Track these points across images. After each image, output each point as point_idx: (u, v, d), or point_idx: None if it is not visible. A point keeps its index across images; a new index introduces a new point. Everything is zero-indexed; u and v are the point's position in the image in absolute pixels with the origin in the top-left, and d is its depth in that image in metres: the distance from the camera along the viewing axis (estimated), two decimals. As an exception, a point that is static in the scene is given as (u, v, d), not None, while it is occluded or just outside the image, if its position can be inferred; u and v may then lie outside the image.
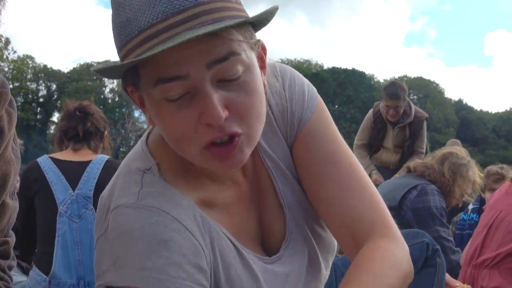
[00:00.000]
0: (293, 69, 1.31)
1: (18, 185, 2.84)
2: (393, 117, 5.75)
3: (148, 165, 1.18)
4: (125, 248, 1.06)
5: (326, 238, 1.32)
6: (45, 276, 2.74)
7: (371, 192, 1.23)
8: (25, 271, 3.43)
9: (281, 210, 1.28)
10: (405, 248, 1.20)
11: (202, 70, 1.01)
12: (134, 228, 1.07)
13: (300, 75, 1.31)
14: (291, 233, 1.27)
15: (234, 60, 1.03)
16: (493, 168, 4.92)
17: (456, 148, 3.89)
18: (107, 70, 1.07)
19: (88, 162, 2.90)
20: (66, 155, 2.99)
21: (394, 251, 1.16)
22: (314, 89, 1.31)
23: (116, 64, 1.04)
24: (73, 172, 2.88)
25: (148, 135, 1.26)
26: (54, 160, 2.93)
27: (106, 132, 3.12)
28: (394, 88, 5.72)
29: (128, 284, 1.05)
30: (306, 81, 1.31)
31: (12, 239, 1.35)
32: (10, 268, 1.35)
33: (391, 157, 5.86)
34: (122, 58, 1.06)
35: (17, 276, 3.17)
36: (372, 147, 6.02)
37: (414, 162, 3.86)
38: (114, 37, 1.07)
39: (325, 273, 1.33)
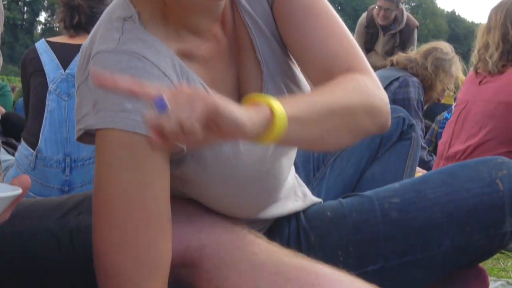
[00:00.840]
0: None
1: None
2: (382, 20, 5.75)
3: (129, 13, 1.19)
4: (104, 91, 1.09)
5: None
6: (32, 151, 2.78)
7: (350, 41, 1.28)
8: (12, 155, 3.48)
9: (259, 68, 1.31)
10: (377, 84, 1.24)
11: None
12: (113, 72, 1.09)
13: None
14: (267, 90, 1.30)
15: None
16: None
17: (440, 44, 3.90)
18: None
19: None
20: (62, 39, 2.99)
21: (364, 80, 1.20)
22: None
23: None
24: (65, 54, 2.88)
25: None
26: (49, 43, 2.94)
27: None
28: None
29: (107, 126, 1.08)
30: None
31: None
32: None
33: (378, 61, 5.88)
34: None
35: (3, 155, 3.23)
36: (367, 52, 6.04)
37: (397, 56, 3.88)
38: None
39: None
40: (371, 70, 1.27)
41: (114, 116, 1.08)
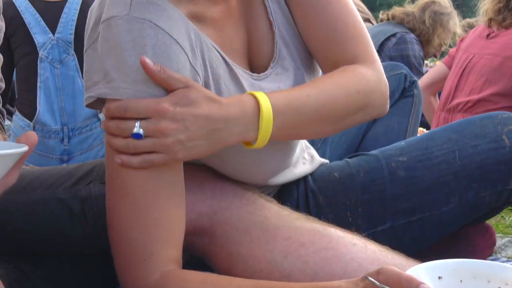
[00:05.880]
0: None
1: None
2: None
3: None
4: (116, 61, 1.06)
5: (312, 61, 1.35)
6: (28, 122, 2.74)
7: (359, 30, 1.29)
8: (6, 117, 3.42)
9: (271, 30, 1.29)
10: (380, 77, 1.28)
11: None
12: (125, 41, 1.06)
13: None
14: (279, 52, 1.28)
15: None
16: (470, 20, 4.89)
17: (439, -3, 3.81)
18: None
19: (65, 2, 2.75)
20: None
21: (365, 73, 1.24)
22: None
23: None
24: (50, 14, 2.71)
25: None
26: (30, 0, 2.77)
27: None
28: None
29: (120, 96, 1.06)
30: None
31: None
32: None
33: None
34: None
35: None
36: None
37: (393, 10, 3.81)
38: None
39: None
40: (377, 59, 1.29)
41: (127, 88, 1.05)
